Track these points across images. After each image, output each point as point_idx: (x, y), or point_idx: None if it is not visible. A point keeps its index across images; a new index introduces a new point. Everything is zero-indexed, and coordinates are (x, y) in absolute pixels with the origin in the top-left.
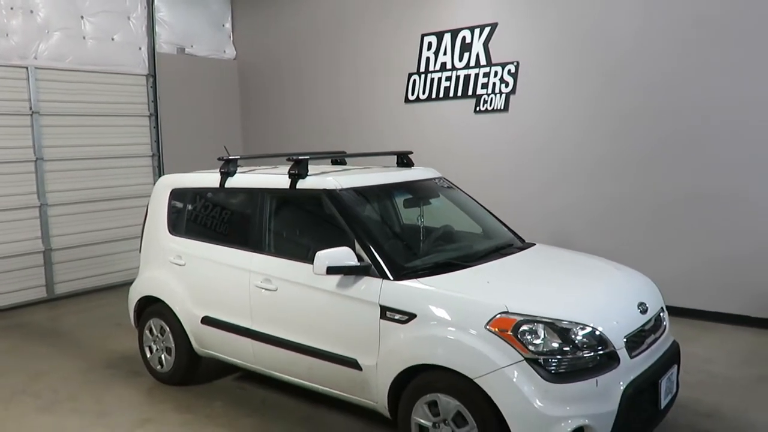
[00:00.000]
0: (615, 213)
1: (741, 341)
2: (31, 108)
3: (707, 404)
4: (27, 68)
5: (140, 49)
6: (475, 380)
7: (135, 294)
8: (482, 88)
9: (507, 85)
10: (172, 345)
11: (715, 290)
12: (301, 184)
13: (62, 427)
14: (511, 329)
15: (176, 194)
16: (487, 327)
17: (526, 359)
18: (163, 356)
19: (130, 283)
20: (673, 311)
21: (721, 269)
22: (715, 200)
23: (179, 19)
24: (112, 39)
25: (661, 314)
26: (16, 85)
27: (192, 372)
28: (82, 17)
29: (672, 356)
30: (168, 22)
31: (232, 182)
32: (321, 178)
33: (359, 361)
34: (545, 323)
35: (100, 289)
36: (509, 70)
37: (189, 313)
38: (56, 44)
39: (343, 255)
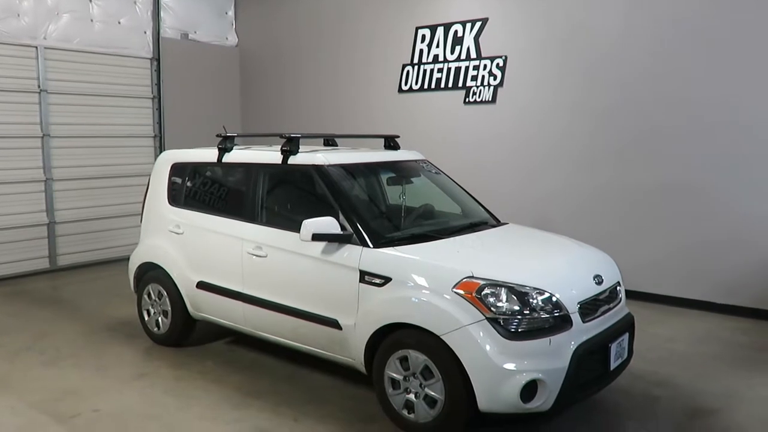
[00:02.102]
0: (593, 202)
1: (703, 324)
2: (39, 86)
3: (662, 375)
4: (36, 48)
5: (145, 33)
6: (442, 337)
7: (135, 260)
8: (472, 80)
9: (495, 78)
10: (169, 308)
11: (682, 277)
12: (293, 160)
13: (64, 379)
14: (475, 292)
15: (176, 168)
16: (454, 290)
17: (487, 319)
18: (160, 319)
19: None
20: (643, 296)
21: (688, 257)
22: (684, 192)
23: (183, 6)
24: (119, 23)
25: (617, 288)
26: (25, 64)
27: (187, 334)
28: (90, 0)
29: (625, 325)
30: (173, 8)
31: (228, 158)
32: (311, 155)
33: (339, 321)
34: (506, 287)
35: (101, 262)
36: (498, 64)
37: (185, 278)
38: (65, 26)
39: (328, 224)
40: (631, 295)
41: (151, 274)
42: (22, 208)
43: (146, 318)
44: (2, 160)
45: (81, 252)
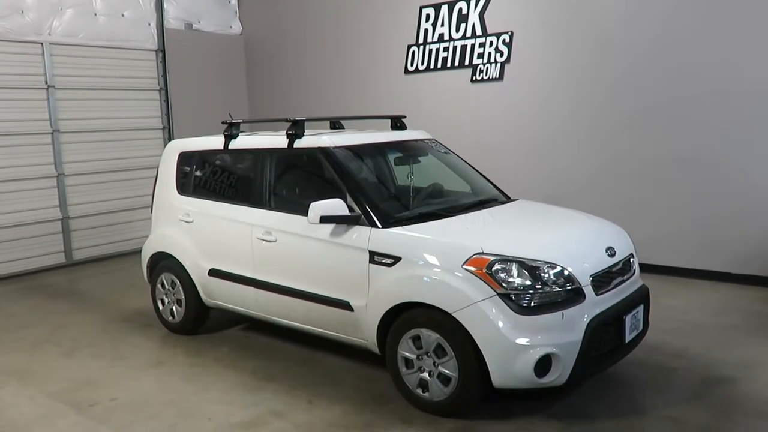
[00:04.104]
0: (604, 175)
1: (718, 295)
2: (46, 82)
3: (677, 346)
4: (42, 44)
5: (149, 25)
6: (453, 314)
7: (147, 251)
8: (478, 57)
9: (502, 55)
10: (183, 297)
11: (697, 248)
12: (298, 144)
13: (83, 368)
14: (486, 267)
15: (184, 157)
16: (464, 266)
17: (499, 294)
18: (174, 308)
19: None
20: (657, 269)
21: (702, 228)
22: (696, 163)
23: None
24: (122, 15)
25: (631, 259)
26: (32, 60)
27: (201, 322)
28: None
29: (639, 297)
30: None
31: (235, 144)
32: (316, 138)
33: (351, 303)
34: (517, 262)
35: (115, 255)
36: (504, 40)
37: (197, 267)
38: (69, 21)
39: (336, 206)
40: (644, 268)
41: (164, 263)
42: (36, 204)
43: (161, 307)
44: (14, 157)
45: (96, 246)
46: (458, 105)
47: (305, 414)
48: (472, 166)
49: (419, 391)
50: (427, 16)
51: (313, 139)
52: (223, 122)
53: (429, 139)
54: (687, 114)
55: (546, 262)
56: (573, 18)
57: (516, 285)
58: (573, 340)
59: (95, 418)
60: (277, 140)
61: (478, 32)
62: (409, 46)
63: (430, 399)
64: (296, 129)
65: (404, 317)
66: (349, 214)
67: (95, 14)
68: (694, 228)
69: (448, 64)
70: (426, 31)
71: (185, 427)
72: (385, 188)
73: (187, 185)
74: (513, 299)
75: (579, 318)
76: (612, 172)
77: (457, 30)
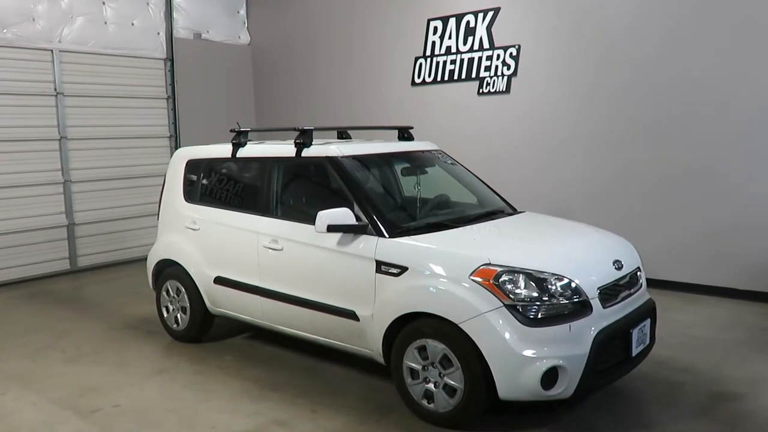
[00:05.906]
0: (610, 189)
1: (725, 310)
2: (55, 89)
3: (684, 362)
4: (52, 51)
5: (158, 34)
6: (460, 325)
7: (153, 258)
8: (485, 70)
9: (509, 68)
10: (187, 304)
11: (703, 263)
12: (306, 153)
13: (86, 375)
14: (493, 279)
15: (191, 165)
16: (471, 277)
17: (506, 305)
18: (178, 315)
19: None
20: (663, 284)
21: (709, 243)
22: (703, 176)
23: (196, 6)
24: (132, 24)
25: (638, 273)
26: (41, 67)
27: (205, 330)
28: (103, 3)
29: (646, 311)
30: (185, 8)
31: (242, 152)
32: (324, 147)
33: (357, 312)
34: (524, 273)
35: (120, 263)
36: (511, 53)
37: (203, 274)
38: (79, 28)
39: (343, 215)
40: (650, 282)
41: (169, 270)
42: (42, 210)
43: (165, 315)
44: (21, 163)
45: (101, 253)
46: (465, 117)
47: (309, 423)
48: (478, 178)
49: (424, 402)
50: (435, 28)
51: (321, 148)
52: (231, 130)
53: (436, 150)
54: (693, 127)
55: (553, 274)
56: (579, 32)
57: (523, 296)
58: (580, 353)
59: (98, 425)
60: (285, 149)
61: (486, 45)
62: (417, 58)
63: (436, 410)
64: (304, 138)
65: (410, 327)
66: (357, 223)
67: (105, 23)
68: (700, 242)
69: (455, 77)
70: (433, 43)
71: None
72: (392, 198)
73: (194, 193)
74: (520, 311)
75: (586, 331)
76: (618, 184)
77: (465, 43)
